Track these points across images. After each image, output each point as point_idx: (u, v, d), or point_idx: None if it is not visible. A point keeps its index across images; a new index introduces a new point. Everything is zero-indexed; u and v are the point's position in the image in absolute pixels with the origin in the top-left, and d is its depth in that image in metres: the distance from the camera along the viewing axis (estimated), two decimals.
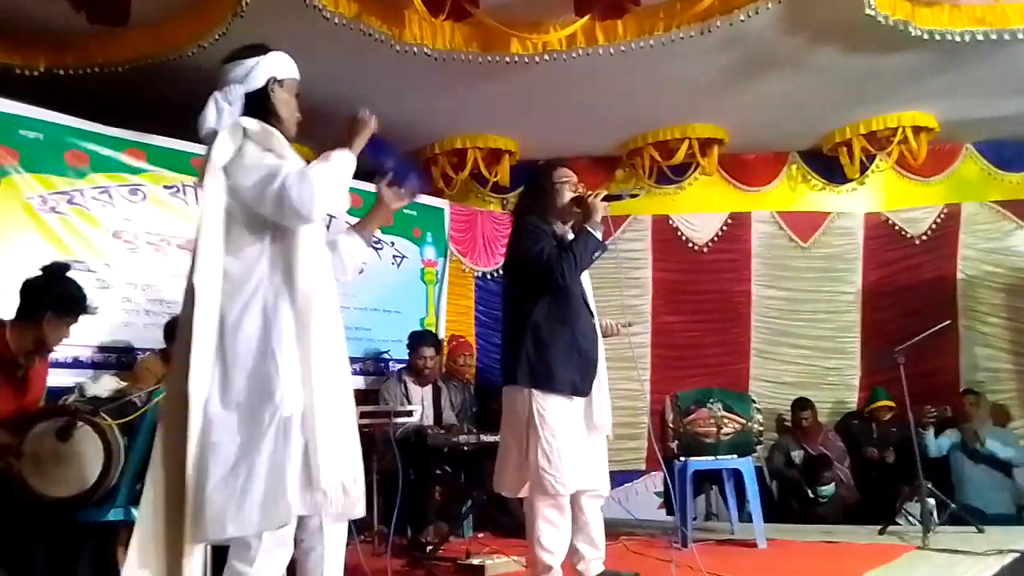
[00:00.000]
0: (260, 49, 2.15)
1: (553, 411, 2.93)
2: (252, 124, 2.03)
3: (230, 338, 1.92)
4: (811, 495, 5.34)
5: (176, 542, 1.84)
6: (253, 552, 1.87)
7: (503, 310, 3.23)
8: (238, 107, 2.07)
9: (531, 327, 2.98)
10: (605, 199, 3.04)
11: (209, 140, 2.01)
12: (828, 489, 5.32)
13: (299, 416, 1.88)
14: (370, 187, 2.44)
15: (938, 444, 5.33)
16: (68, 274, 2.92)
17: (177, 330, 2.01)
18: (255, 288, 1.95)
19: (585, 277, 3.13)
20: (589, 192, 3.09)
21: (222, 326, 1.93)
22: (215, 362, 1.91)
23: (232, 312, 1.93)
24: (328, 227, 2.40)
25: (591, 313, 3.09)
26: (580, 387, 2.99)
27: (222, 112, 2.05)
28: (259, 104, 2.10)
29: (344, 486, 1.95)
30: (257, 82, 2.10)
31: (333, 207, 2.04)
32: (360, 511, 2.03)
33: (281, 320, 1.93)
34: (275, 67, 2.14)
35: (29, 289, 2.83)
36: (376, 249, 5.31)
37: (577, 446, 2.96)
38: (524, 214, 3.16)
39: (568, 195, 3.10)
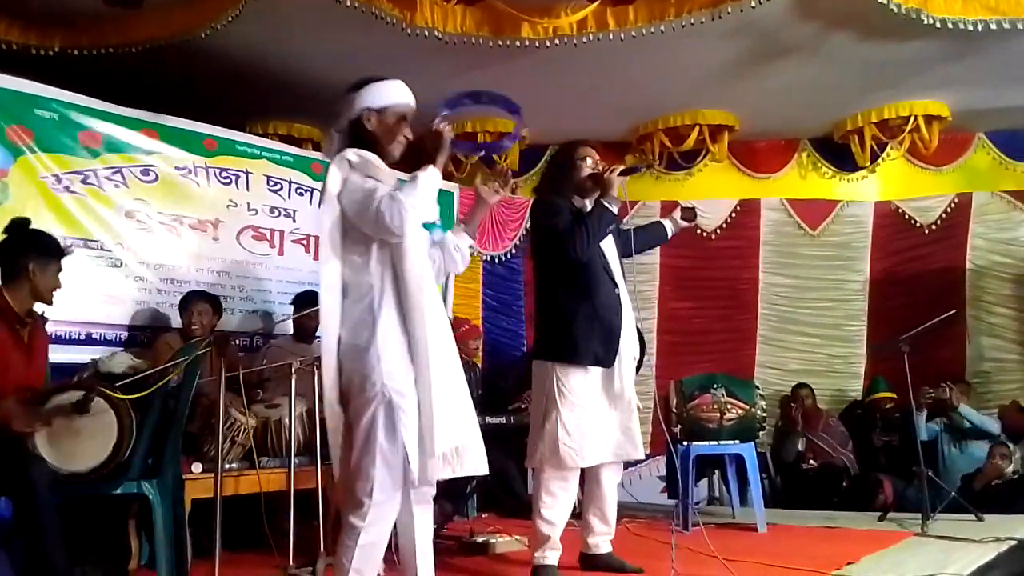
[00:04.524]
0: (360, 83, 2.41)
1: (573, 385, 3.00)
2: (353, 156, 2.31)
3: (348, 334, 2.26)
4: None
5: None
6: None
7: (534, 288, 3.29)
8: (345, 135, 2.39)
9: (553, 301, 3.09)
10: (621, 174, 3.09)
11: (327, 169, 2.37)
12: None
13: (405, 396, 2.19)
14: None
15: (928, 428, 5.33)
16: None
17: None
18: (366, 291, 2.26)
19: (610, 249, 3.18)
20: (605, 168, 3.14)
21: (342, 323, 2.28)
22: (336, 356, 2.26)
23: (348, 311, 2.28)
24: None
25: (614, 284, 3.13)
26: (603, 358, 3.03)
27: (333, 139, 2.41)
28: (359, 131, 2.38)
29: (445, 456, 2.25)
30: (353, 113, 2.38)
31: (422, 220, 2.31)
32: (477, 470, 2.34)
33: (384, 316, 2.24)
34: (369, 98, 2.38)
35: (3, 249, 2.83)
36: None
37: (597, 419, 3.03)
38: (544, 191, 3.29)
39: (586, 171, 3.16)
